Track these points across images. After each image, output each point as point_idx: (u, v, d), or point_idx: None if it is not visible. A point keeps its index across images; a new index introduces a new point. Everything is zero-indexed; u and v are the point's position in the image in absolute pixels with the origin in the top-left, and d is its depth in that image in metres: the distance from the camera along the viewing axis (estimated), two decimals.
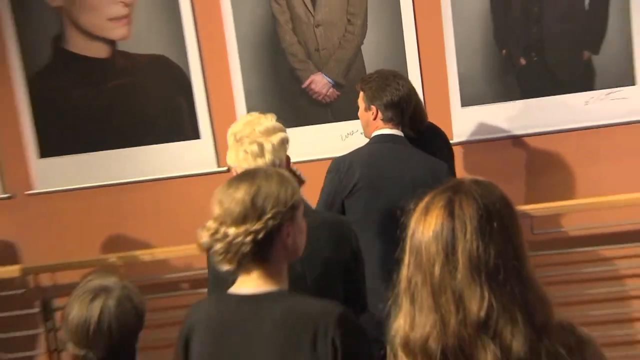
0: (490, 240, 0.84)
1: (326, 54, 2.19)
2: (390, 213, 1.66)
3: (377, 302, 1.15)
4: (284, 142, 1.45)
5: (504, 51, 2.17)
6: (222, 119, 2.22)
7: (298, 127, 2.17)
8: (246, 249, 1.13)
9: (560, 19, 2.14)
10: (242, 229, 1.13)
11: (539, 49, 2.17)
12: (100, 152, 2.24)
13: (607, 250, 2.18)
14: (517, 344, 0.82)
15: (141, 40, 2.21)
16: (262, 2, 2.16)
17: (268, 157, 1.43)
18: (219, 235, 1.14)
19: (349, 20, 2.18)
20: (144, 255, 2.16)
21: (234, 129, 1.47)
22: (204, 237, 1.17)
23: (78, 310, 1.31)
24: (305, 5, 2.16)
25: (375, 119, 1.90)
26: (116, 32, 2.20)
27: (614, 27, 2.11)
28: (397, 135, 1.88)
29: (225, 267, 1.18)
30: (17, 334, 2.22)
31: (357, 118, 1.94)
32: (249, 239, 1.12)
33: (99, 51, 2.21)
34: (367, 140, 1.88)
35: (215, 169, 2.26)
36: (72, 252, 2.21)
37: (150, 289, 2.02)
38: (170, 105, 2.23)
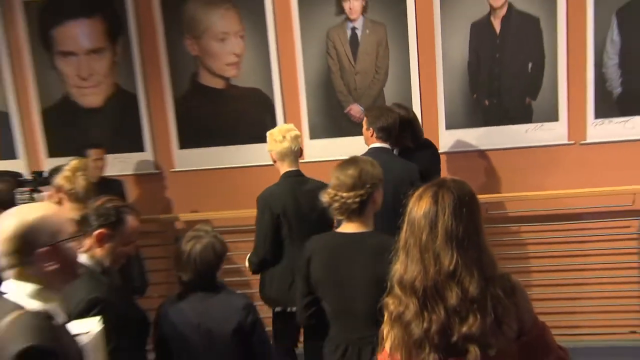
0: (460, 221, 1.08)
1: (361, 92, 3.29)
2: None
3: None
4: (297, 136, 2.38)
5: (474, 95, 3.20)
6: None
7: (341, 137, 3.29)
8: (354, 206, 1.62)
9: (512, 76, 3.16)
10: (352, 193, 1.63)
11: (498, 95, 3.18)
12: (216, 147, 3.39)
13: (530, 227, 3.24)
14: (472, 288, 1.06)
15: (244, 78, 3.36)
16: (321, 58, 3.27)
17: (286, 143, 2.32)
18: (337, 198, 1.65)
19: (376, 71, 3.28)
20: (242, 212, 3.21)
21: (271, 131, 2.40)
22: (325, 198, 1.69)
23: (181, 246, 1.82)
24: (349, 61, 3.30)
25: (372, 136, 2.55)
26: (230, 72, 3.36)
27: (546, 83, 3.11)
28: (386, 148, 2.54)
29: (338, 218, 1.72)
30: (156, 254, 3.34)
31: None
32: (357, 200, 1.62)
33: (219, 84, 3.37)
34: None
35: None
36: (196, 207, 3.46)
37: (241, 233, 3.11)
38: (260, 120, 3.33)
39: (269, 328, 2.19)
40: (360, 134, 2.71)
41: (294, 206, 2.35)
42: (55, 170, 2.31)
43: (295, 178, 2.40)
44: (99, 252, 1.74)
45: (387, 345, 1.20)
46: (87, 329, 1.38)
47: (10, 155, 3.45)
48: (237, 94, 3.38)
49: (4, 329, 1.20)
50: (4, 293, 1.26)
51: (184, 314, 1.82)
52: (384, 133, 2.53)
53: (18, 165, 3.30)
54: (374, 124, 2.55)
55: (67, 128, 3.43)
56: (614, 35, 3.03)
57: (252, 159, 3.34)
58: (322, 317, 1.79)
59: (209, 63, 3.37)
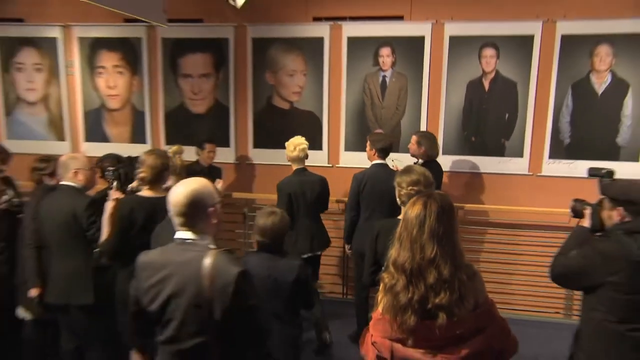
0: (442, 223, 1.38)
1: (384, 121, 4.56)
2: (379, 198, 3.30)
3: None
4: (304, 148, 3.43)
5: (465, 132, 4.39)
6: (334, 142, 4.71)
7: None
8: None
9: (493, 122, 4.33)
10: (416, 188, 2.17)
11: (482, 134, 4.37)
12: (278, 149, 4.46)
13: (497, 230, 4.41)
14: (446, 272, 1.36)
15: (303, 103, 4.69)
16: (359, 94, 4.56)
17: (296, 152, 3.41)
18: (403, 192, 2.22)
19: (397, 108, 4.58)
20: None
21: (287, 143, 3.49)
22: (403, 191, 2.22)
23: (261, 220, 2.26)
24: (379, 98, 4.61)
25: (374, 155, 3.42)
26: (294, 98, 4.70)
27: (516, 130, 4.28)
28: (384, 164, 3.40)
29: (400, 204, 2.25)
30: (231, 220, 4.84)
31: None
32: (415, 190, 2.17)
33: (285, 105, 4.72)
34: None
35: (327, 164, 4.74)
36: (261, 190, 4.87)
37: None
38: (312, 134, 4.51)
39: None
40: None
41: (300, 190, 3.52)
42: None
43: (302, 172, 3.59)
44: None
45: (380, 308, 1.46)
46: None
47: (141, 140, 4.97)
48: (297, 113, 4.74)
49: (216, 260, 1.55)
50: (189, 239, 1.63)
51: (258, 266, 2.19)
52: (382, 153, 3.44)
53: (146, 148, 4.84)
54: (375, 145, 3.44)
55: (180, 126, 4.90)
56: (568, 101, 4.20)
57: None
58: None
59: (280, 90, 4.76)
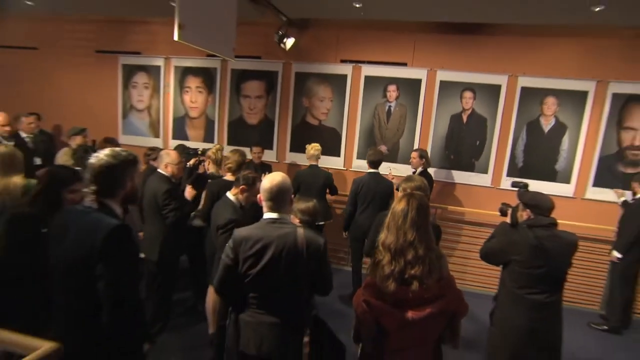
0: (419, 215, 1.78)
1: (387, 139, 6.08)
2: (371, 197, 4.56)
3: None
4: (317, 150, 5.12)
5: (446, 152, 5.86)
6: (349, 151, 6.27)
7: None
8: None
9: (468, 146, 5.72)
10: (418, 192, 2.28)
11: (459, 154, 5.77)
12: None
13: (462, 225, 5.81)
14: (420, 252, 1.73)
15: (329, 121, 6.27)
16: (370, 119, 6.12)
17: (310, 152, 5.12)
18: (408, 191, 2.53)
19: (397, 129, 6.12)
20: None
21: (307, 146, 5.26)
22: (406, 189, 2.66)
23: (302, 205, 2.68)
24: (384, 122, 6.18)
25: (368, 166, 4.80)
26: (322, 117, 6.30)
27: (484, 153, 5.68)
28: (376, 172, 4.57)
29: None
30: None
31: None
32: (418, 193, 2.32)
33: (315, 122, 6.33)
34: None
35: (342, 167, 6.35)
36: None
37: None
38: (333, 145, 6.24)
39: None
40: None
41: (310, 180, 4.97)
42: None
43: (314, 167, 5.11)
44: (240, 197, 2.82)
45: (370, 276, 1.79)
46: None
47: (211, 140, 6.67)
48: (323, 129, 6.34)
49: (307, 233, 1.88)
50: (278, 218, 1.90)
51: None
52: (372, 165, 4.67)
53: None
54: (367, 159, 4.76)
55: (238, 133, 6.63)
56: (523, 135, 5.60)
57: (326, 163, 6.27)
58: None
59: (312, 111, 6.39)
